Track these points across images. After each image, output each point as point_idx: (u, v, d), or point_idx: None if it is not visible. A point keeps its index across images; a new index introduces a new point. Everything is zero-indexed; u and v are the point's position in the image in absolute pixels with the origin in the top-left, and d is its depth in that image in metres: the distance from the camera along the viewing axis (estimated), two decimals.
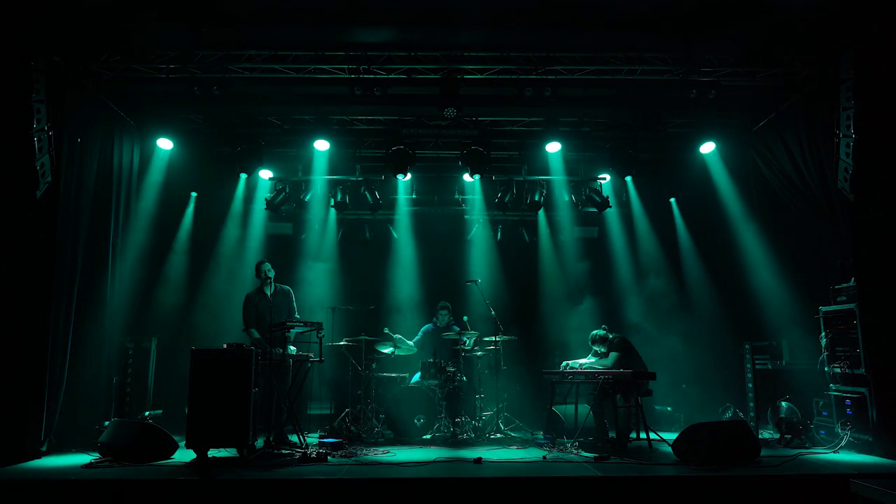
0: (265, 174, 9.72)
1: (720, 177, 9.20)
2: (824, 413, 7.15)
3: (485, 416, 7.91)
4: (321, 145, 9.08)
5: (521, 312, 10.02)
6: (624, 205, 10.37)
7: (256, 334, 7.30)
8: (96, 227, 7.50)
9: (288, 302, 7.67)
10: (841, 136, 6.75)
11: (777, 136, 8.08)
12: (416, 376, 8.17)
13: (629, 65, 7.50)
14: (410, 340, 8.60)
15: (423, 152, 9.24)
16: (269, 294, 7.46)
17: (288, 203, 9.54)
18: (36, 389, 6.35)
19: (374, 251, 10.37)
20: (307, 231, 10.34)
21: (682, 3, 6.66)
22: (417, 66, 7.54)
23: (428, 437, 7.48)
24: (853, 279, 6.85)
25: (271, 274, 7.47)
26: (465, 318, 8.39)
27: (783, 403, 7.42)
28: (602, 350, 7.30)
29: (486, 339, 8.22)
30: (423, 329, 8.87)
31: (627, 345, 7.30)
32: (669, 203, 10.41)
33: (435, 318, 8.81)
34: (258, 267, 7.56)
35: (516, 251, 10.52)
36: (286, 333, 6.88)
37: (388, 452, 6.60)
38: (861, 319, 6.58)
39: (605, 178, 9.72)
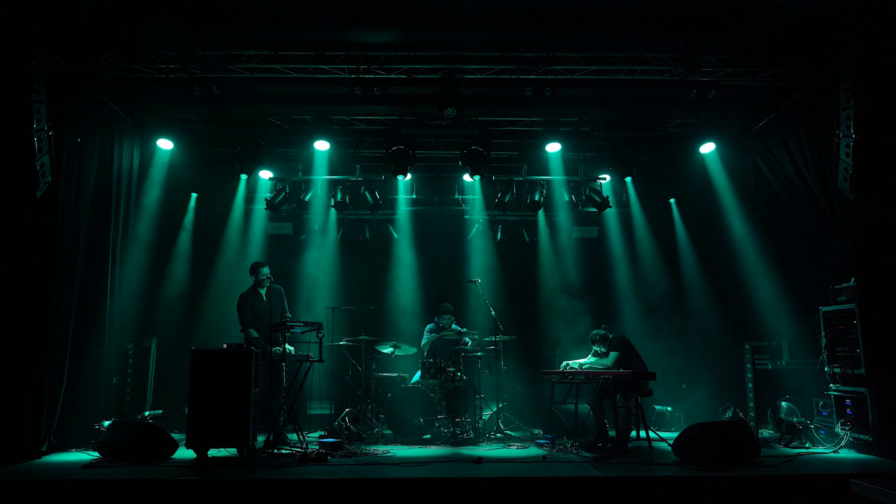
0: (265, 174, 9.72)
1: (720, 177, 9.20)
2: (824, 413, 7.14)
3: (485, 416, 7.92)
4: (321, 145, 9.09)
5: (521, 312, 10.03)
6: (624, 205, 10.38)
7: (255, 333, 7.30)
8: (96, 227, 7.50)
9: (281, 301, 7.69)
10: (841, 136, 6.75)
11: (777, 136, 8.08)
12: (416, 376, 8.17)
13: (629, 65, 7.51)
14: (413, 342, 8.59)
15: (423, 152, 9.24)
16: (263, 294, 7.48)
17: (288, 203, 9.54)
18: (36, 389, 6.35)
19: (374, 251, 10.38)
20: (307, 231, 10.35)
21: (682, 3, 6.66)
22: (417, 66, 7.54)
23: (428, 436, 7.48)
24: (853, 279, 6.85)
25: (268, 278, 7.49)
26: (464, 328, 8.41)
27: (783, 403, 7.42)
28: (602, 350, 7.30)
29: (486, 339, 8.23)
30: (427, 328, 8.87)
31: (627, 344, 7.30)
32: (669, 203, 10.42)
33: (437, 318, 8.79)
34: (256, 269, 7.57)
35: (516, 251, 10.53)
36: (286, 333, 6.89)
37: (388, 452, 6.60)
38: (861, 319, 6.57)
39: (604, 179, 9.73)
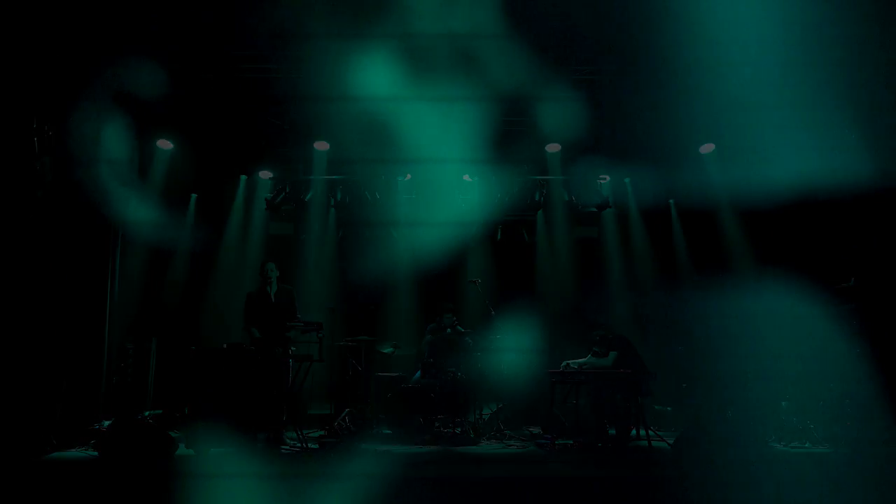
0: (265, 174, 9.72)
1: (719, 177, 9.19)
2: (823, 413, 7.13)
3: (485, 416, 7.92)
4: (321, 145, 9.09)
5: (520, 312, 10.01)
6: (623, 205, 10.37)
7: (257, 333, 7.30)
8: (96, 227, 7.49)
9: (289, 301, 7.66)
10: None
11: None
12: (416, 376, 8.18)
13: (630, 65, 7.48)
14: (413, 343, 8.61)
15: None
16: (271, 293, 7.47)
17: (288, 203, 9.54)
18: (35, 389, 6.35)
19: (374, 251, 10.37)
20: (307, 231, 10.35)
21: None
22: None
23: (428, 436, 7.48)
24: (853, 279, 6.85)
25: (274, 274, 7.48)
26: (461, 328, 8.42)
27: (783, 403, 7.41)
28: (602, 350, 7.30)
29: (487, 338, 8.22)
30: (429, 328, 8.88)
31: (627, 344, 7.31)
32: (668, 204, 10.41)
33: (438, 318, 8.79)
34: (262, 266, 7.56)
35: (516, 251, 10.53)
36: (287, 333, 6.89)
37: (388, 452, 6.59)
38: (861, 319, 6.58)
39: (604, 179, 9.73)
